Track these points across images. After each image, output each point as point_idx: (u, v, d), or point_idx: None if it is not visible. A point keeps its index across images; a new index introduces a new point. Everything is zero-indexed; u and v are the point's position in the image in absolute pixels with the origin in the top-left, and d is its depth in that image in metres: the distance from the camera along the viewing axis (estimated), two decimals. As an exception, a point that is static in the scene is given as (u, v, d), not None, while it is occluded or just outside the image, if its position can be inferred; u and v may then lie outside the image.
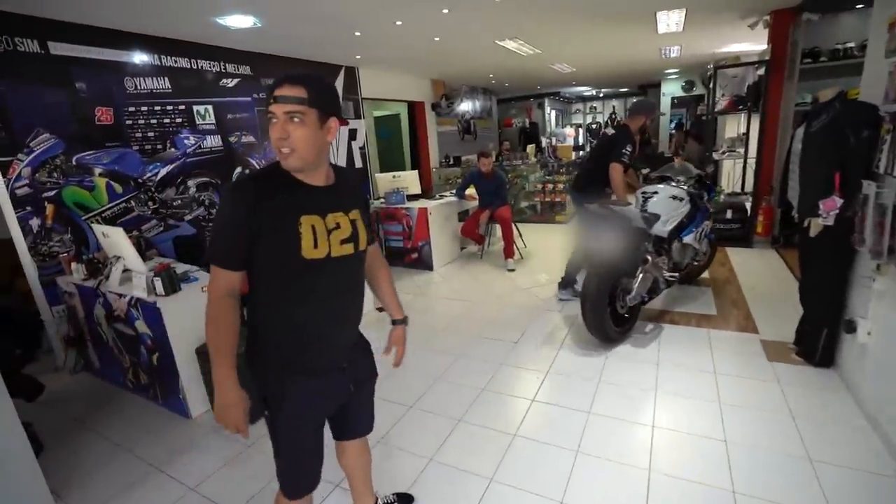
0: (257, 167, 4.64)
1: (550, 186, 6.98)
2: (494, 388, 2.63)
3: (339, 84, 5.70)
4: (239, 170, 4.47)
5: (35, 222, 3.10)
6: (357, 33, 4.13)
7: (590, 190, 3.46)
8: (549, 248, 5.60)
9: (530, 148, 7.47)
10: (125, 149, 3.55)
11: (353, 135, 5.97)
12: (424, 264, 5.09)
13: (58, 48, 3.16)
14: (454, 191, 5.54)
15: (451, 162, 8.18)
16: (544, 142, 8.13)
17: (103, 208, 3.44)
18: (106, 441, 2.49)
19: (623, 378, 2.60)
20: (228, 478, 2.12)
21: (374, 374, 1.46)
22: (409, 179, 5.39)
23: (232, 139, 4.36)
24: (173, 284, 2.53)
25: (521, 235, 5.57)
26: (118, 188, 3.52)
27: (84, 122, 3.31)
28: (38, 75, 3.08)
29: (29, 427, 2.60)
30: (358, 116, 6.05)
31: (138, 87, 3.61)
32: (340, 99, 1.13)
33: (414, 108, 7.72)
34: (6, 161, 2.95)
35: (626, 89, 12.78)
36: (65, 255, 3.16)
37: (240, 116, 4.44)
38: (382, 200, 5.22)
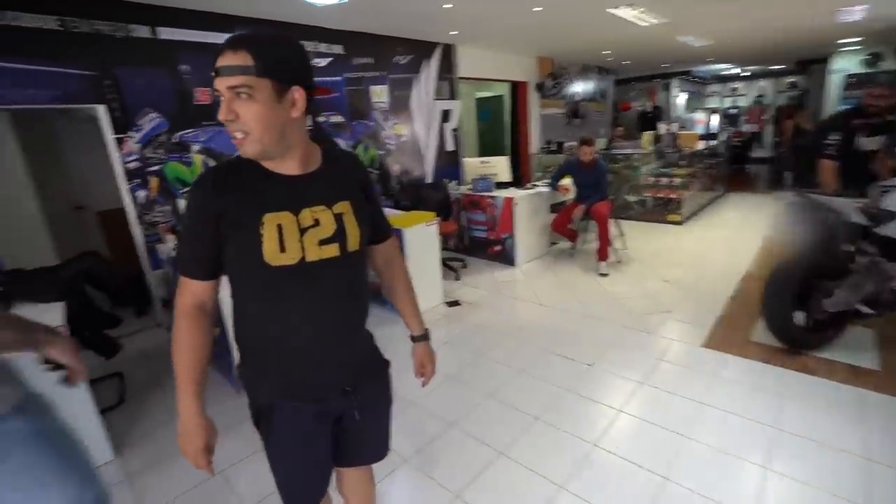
0: (343, 146, 4.66)
1: (665, 180, 6.04)
2: (551, 420, 2.23)
3: (435, 63, 5.47)
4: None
5: (141, 194, 3.40)
6: (447, 5, 3.82)
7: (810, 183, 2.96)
8: (655, 251, 4.83)
9: (646, 135, 6.53)
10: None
11: (446, 116, 5.73)
12: (507, 258, 4.72)
13: (166, 33, 3.38)
14: (548, 181, 5.03)
15: (554, 148, 7.55)
16: (663, 128, 7.05)
17: (200, 183, 3.68)
18: (171, 404, 2.64)
19: (720, 439, 2.01)
20: (252, 468, 2.07)
21: (387, 399, 1.24)
22: (500, 166, 5.01)
23: (321, 119, 4.40)
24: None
25: (622, 235, 4.90)
26: (212, 164, 3.74)
27: (185, 102, 3.53)
28: (148, 59, 3.33)
29: (120, 377, 2.90)
30: (452, 97, 5.79)
31: (235, 68, 3.76)
32: (304, 61, 0.87)
33: (517, 89, 7.23)
34: (120, 137, 3.26)
35: (779, 67, 10.65)
36: (163, 225, 3.45)
37: (329, 97, 4.45)
38: (470, 187, 4.94)
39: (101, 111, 3.18)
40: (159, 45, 3.36)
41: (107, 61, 3.15)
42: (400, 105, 5.17)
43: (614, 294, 3.77)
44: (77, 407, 2.08)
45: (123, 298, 3.36)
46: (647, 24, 5.00)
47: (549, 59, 7.35)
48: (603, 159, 4.69)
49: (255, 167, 0.94)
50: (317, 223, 0.95)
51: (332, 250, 0.97)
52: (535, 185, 5.08)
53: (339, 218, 0.98)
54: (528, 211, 4.66)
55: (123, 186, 3.33)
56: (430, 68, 5.44)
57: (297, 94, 0.88)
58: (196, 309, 0.97)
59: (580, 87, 8.52)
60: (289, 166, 0.95)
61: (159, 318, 3.68)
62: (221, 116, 0.86)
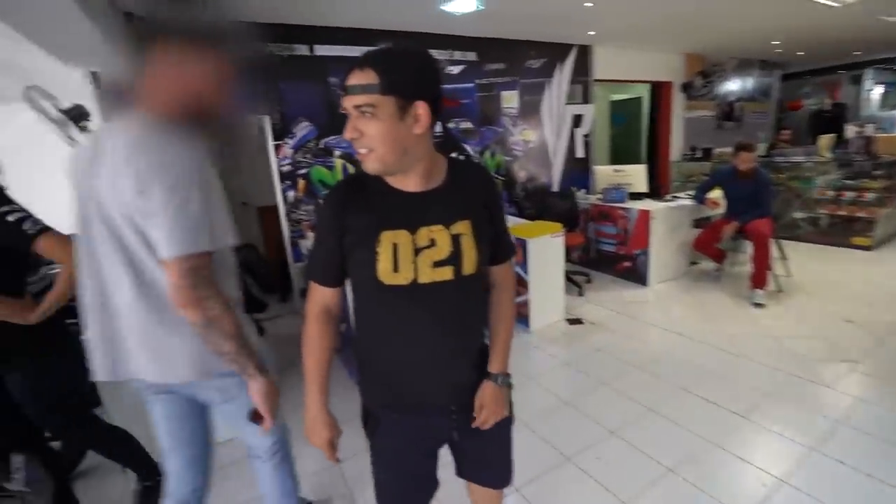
0: (471, 153, 4.68)
1: (850, 194, 4.94)
2: (689, 476, 1.91)
3: (569, 66, 5.21)
4: (454, 155, 4.57)
5: (290, 194, 3.80)
6: (588, 3, 3.59)
7: None
8: (832, 282, 3.96)
9: (825, 139, 5.40)
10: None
11: (577, 121, 5.44)
12: (638, 277, 4.29)
13: (320, 50, 3.74)
14: (692, 192, 4.45)
15: (699, 155, 6.70)
16: (851, 130, 5.77)
17: (339, 186, 4.00)
18: (299, 390, 2.89)
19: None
20: (364, 464, 2.14)
21: (501, 423, 1.13)
22: (635, 175, 4.58)
23: (451, 125, 4.48)
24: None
25: (784, 258, 4.12)
26: (350, 169, 4.03)
27: (332, 112, 3.86)
28: (305, 73, 3.71)
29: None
30: (586, 101, 5.47)
31: (376, 79, 4.01)
32: (434, 74, 0.88)
33: (659, 90, 6.57)
34: (278, 144, 3.69)
35: None
36: (306, 222, 3.81)
37: (461, 103, 4.50)
38: (600, 196, 4.61)
39: (266, 121, 3.63)
40: (314, 61, 3.73)
41: (274, 78, 3.58)
42: (529, 110, 5.04)
43: (773, 330, 3.16)
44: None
45: (271, 286, 3.79)
46: (839, 4, 4.13)
47: (699, 56, 6.55)
48: (763, 168, 4.00)
49: (378, 183, 0.95)
50: (432, 244, 0.93)
51: (446, 273, 0.94)
52: (675, 197, 4.54)
53: (456, 239, 0.95)
54: (666, 225, 4.18)
55: (278, 187, 3.76)
56: (564, 71, 5.20)
57: (421, 109, 0.86)
58: (323, 313, 1.03)
59: (736, 85, 7.45)
60: (411, 182, 0.94)
61: (297, 306, 4.09)
62: (347, 135, 0.87)
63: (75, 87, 3.18)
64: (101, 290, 1.09)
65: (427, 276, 0.93)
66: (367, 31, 3.89)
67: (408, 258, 0.92)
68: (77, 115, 3.27)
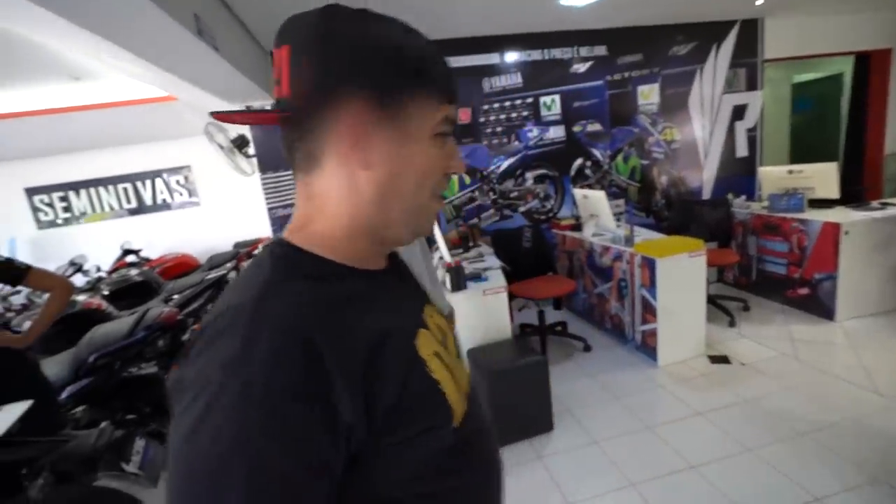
0: (600, 158, 4.22)
1: None
2: None
3: (728, 47, 4.33)
4: (579, 161, 4.18)
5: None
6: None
7: None
8: None
9: None
10: (477, 144, 3.95)
11: (738, 113, 4.50)
12: (820, 308, 3.35)
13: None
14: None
15: (935, 144, 4.98)
16: None
17: (455, 197, 3.99)
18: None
19: None
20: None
21: None
22: (820, 176, 3.58)
23: (576, 129, 4.11)
24: (459, 282, 2.60)
25: None
26: (467, 179, 3.99)
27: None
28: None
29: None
30: (753, 87, 4.49)
31: (493, 86, 3.88)
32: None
33: (867, 63, 5.06)
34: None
35: None
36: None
37: (587, 104, 4.09)
38: (766, 205, 3.74)
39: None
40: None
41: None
42: (674, 104, 4.34)
43: None
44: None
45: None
46: None
47: (937, 10, 4.86)
48: None
49: (341, 272, 0.51)
50: (444, 335, 0.59)
51: (466, 373, 0.61)
52: (886, 204, 3.42)
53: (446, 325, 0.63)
54: (867, 242, 3.17)
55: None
56: (721, 55, 4.35)
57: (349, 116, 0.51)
58: None
59: None
60: (381, 254, 0.58)
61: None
62: (462, 168, 0.57)
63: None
64: None
65: (465, 383, 0.58)
66: (486, 39, 3.79)
67: (452, 364, 0.56)
68: (241, 144, 3.89)
